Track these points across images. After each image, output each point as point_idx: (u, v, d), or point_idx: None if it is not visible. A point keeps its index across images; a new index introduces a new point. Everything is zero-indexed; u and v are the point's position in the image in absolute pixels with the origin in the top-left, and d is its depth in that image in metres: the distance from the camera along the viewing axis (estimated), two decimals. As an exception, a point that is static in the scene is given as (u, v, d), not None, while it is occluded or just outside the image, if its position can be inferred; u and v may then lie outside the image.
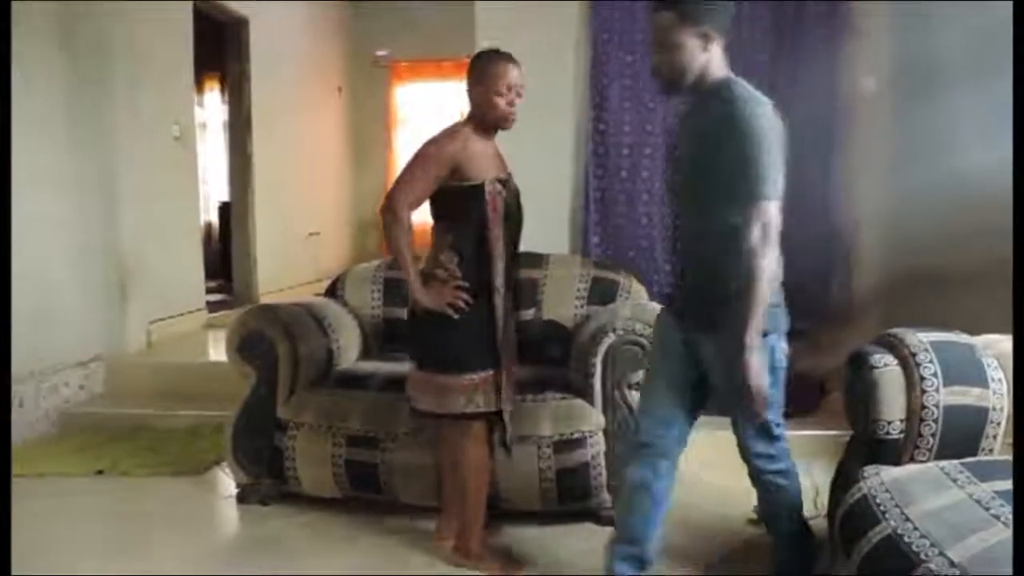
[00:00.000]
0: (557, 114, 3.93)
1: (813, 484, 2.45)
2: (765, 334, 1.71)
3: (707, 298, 1.81)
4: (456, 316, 2.08)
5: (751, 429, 1.85)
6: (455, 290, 2.09)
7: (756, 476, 1.93)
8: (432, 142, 2.15)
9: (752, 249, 1.64)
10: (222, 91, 6.18)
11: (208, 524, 2.70)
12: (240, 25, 5.54)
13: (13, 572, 2.20)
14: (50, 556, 2.35)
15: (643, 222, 3.96)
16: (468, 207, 2.10)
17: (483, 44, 3.95)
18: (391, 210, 2.09)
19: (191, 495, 2.86)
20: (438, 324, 2.10)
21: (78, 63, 3.82)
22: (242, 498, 2.72)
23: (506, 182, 2.20)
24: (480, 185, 2.10)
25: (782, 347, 1.84)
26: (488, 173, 2.13)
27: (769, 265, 1.65)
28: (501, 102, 2.14)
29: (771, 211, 1.66)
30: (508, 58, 2.19)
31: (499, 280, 2.14)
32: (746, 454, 1.90)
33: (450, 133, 2.17)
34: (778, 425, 1.87)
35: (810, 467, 2.60)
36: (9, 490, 1.83)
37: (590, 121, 3.92)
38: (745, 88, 1.75)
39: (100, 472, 3.03)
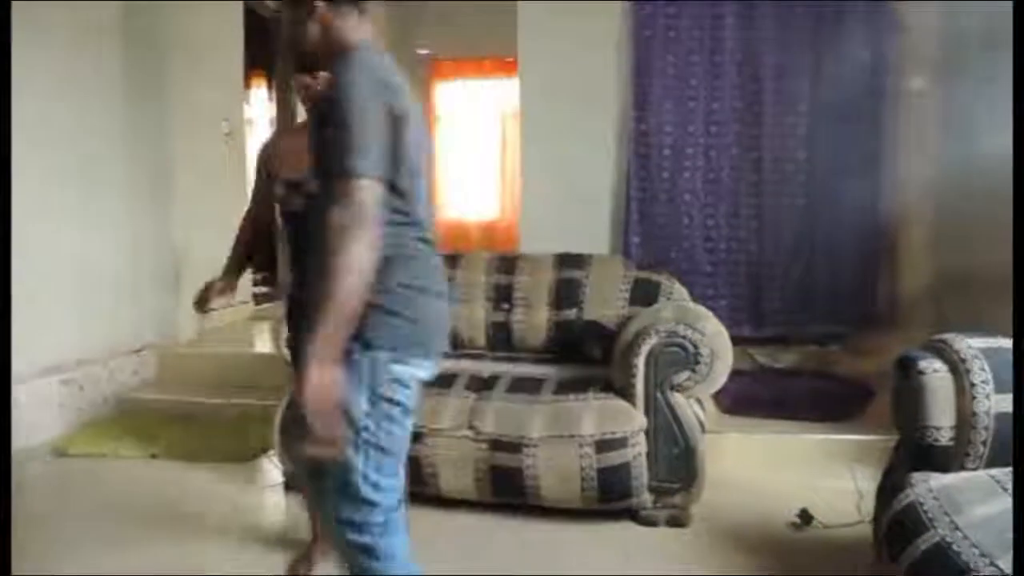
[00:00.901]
0: (598, 114, 3.94)
1: (857, 489, 2.43)
2: (368, 346, 1.35)
3: (311, 300, 1.37)
4: None
5: (331, 482, 1.39)
6: None
7: (339, 548, 1.48)
8: None
9: (335, 233, 1.26)
10: (268, 88, 6.31)
11: (253, 510, 2.77)
12: (287, 24, 5.64)
13: (77, 543, 2.31)
14: (105, 532, 2.45)
15: (684, 222, 3.95)
16: None
17: (525, 42, 3.98)
18: None
19: (238, 482, 2.95)
20: None
21: (137, 62, 3.95)
22: (289, 486, 2.79)
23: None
24: None
25: (405, 371, 1.40)
26: None
27: (358, 258, 1.26)
28: None
29: (364, 190, 1.28)
30: None
31: None
32: (328, 516, 1.46)
33: None
34: (375, 485, 1.38)
35: (853, 471, 2.59)
36: (9, 490, 1.84)
37: (632, 121, 3.92)
38: (362, 56, 1.42)
39: (154, 456, 3.15)
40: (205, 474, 2.99)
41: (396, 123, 1.38)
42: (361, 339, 1.34)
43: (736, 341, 3.24)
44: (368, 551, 1.40)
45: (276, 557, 2.30)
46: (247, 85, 5.57)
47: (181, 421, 3.52)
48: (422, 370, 1.45)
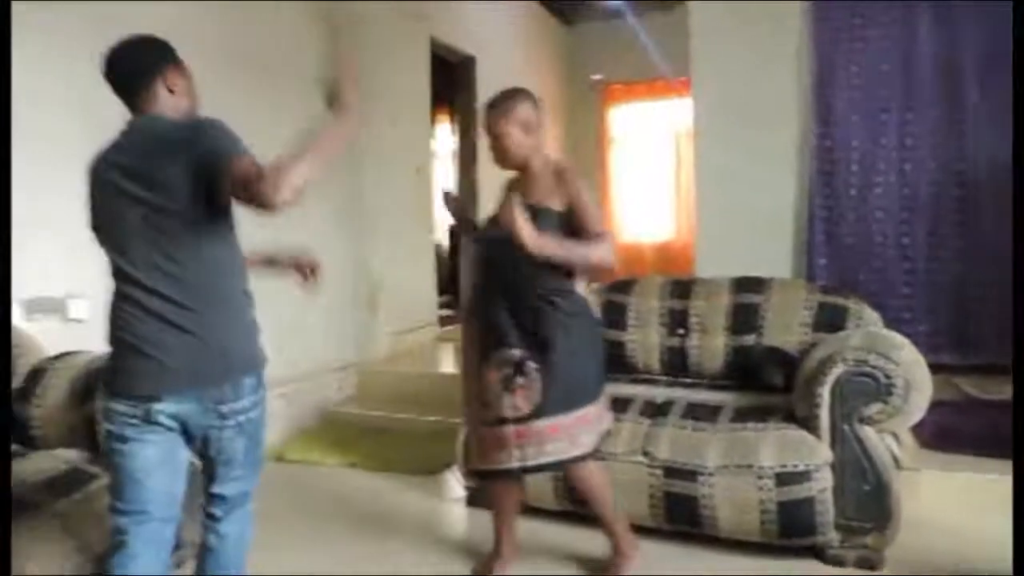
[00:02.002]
0: (777, 130, 3.83)
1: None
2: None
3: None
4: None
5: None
6: None
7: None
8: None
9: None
10: (451, 123, 6.73)
11: (439, 521, 2.96)
12: (468, 63, 6.01)
13: (298, 536, 2.60)
14: (308, 531, 2.74)
15: (877, 240, 3.72)
16: None
17: (698, 61, 3.95)
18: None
19: (425, 493, 3.16)
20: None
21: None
22: (471, 501, 2.95)
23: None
24: None
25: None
26: None
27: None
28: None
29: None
30: (488, 104, 2.28)
31: None
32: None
33: None
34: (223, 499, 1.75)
35: None
36: (9, 491, 1.83)
37: (814, 136, 3.77)
38: None
39: (353, 465, 3.46)
40: (397, 484, 3.24)
41: None
42: None
43: (937, 369, 2.99)
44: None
45: (457, 564, 2.47)
46: (433, 122, 5.99)
47: (376, 434, 3.84)
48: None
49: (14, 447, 2.28)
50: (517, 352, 2.15)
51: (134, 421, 1.61)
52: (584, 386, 2.20)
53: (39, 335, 2.55)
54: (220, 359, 1.62)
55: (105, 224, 1.66)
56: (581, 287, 2.23)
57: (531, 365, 2.13)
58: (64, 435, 2.28)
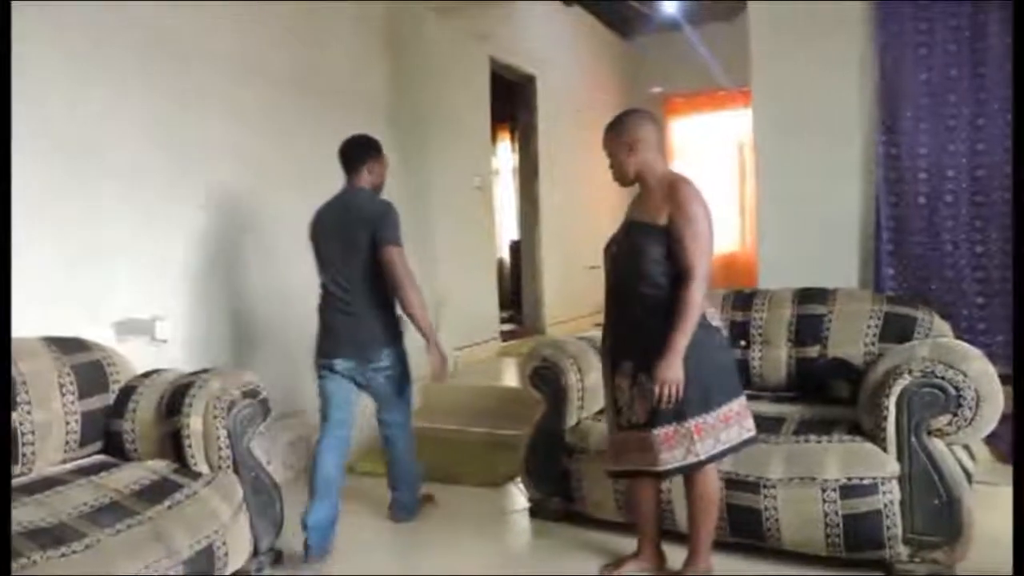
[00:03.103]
0: (841, 138, 3.77)
1: None
2: None
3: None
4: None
5: None
6: None
7: None
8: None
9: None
10: (511, 141, 6.85)
11: (503, 531, 3.02)
12: (528, 81, 6.12)
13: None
14: (380, 538, 2.83)
15: (947, 249, 3.62)
16: None
17: (758, 70, 3.93)
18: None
19: (490, 504, 3.23)
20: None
21: (401, 133, 4.56)
22: (534, 513, 3.00)
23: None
24: None
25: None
26: None
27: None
28: None
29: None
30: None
31: None
32: None
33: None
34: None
35: None
36: (9, 491, 1.93)
37: (880, 144, 3.69)
38: None
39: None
40: (462, 495, 3.31)
41: None
42: None
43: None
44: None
45: (524, 570, 2.53)
46: (493, 140, 6.12)
47: (441, 446, 3.92)
48: None
49: (109, 458, 2.46)
50: (630, 363, 2.27)
51: (324, 372, 2.84)
52: (715, 387, 2.22)
53: (129, 354, 2.73)
54: (368, 338, 2.78)
55: (321, 251, 2.84)
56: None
57: (643, 376, 2.20)
58: (153, 447, 2.44)
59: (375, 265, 2.72)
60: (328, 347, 2.81)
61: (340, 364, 2.79)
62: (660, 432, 2.20)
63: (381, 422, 2.94)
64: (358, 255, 2.72)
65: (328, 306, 2.83)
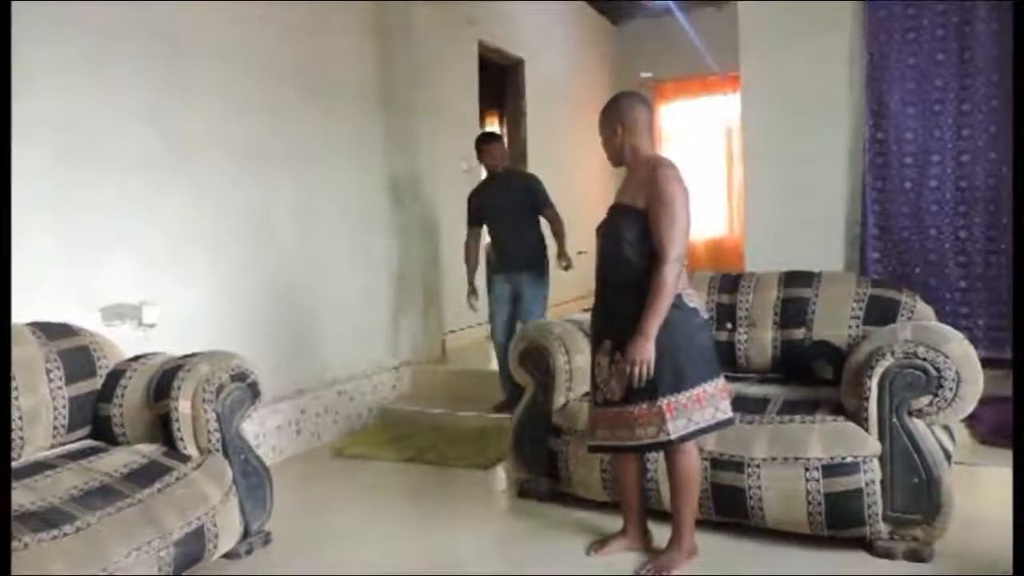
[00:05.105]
0: (828, 123, 3.79)
1: None
2: None
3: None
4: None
5: None
6: None
7: None
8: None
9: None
10: (500, 125, 6.82)
11: (491, 513, 3.04)
12: (517, 66, 6.10)
13: (340, 525, 2.72)
14: (370, 520, 2.86)
15: (932, 234, 3.66)
16: None
17: (747, 55, 3.94)
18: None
19: (479, 486, 3.26)
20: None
21: (391, 118, 4.54)
22: (521, 493, 3.03)
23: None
24: None
25: None
26: None
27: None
28: None
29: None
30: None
31: None
32: None
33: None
34: None
35: None
36: (9, 492, 1.93)
37: (868, 129, 3.72)
38: None
39: (410, 460, 3.58)
40: (450, 477, 3.34)
41: None
42: None
43: (999, 364, 2.94)
44: None
45: (510, 552, 2.56)
46: (481, 124, 6.10)
47: (431, 430, 3.95)
48: None
49: (99, 443, 2.47)
50: (609, 342, 2.30)
51: (493, 281, 4.09)
52: (688, 368, 2.24)
53: (116, 339, 2.73)
54: (521, 262, 4.00)
55: (488, 213, 4.09)
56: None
57: (619, 355, 2.24)
58: (142, 431, 2.44)
59: (532, 217, 4.12)
60: (496, 265, 4.15)
61: (502, 278, 4.11)
62: (634, 409, 2.24)
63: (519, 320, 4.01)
64: (523, 212, 4.10)
65: (495, 242, 4.19)
